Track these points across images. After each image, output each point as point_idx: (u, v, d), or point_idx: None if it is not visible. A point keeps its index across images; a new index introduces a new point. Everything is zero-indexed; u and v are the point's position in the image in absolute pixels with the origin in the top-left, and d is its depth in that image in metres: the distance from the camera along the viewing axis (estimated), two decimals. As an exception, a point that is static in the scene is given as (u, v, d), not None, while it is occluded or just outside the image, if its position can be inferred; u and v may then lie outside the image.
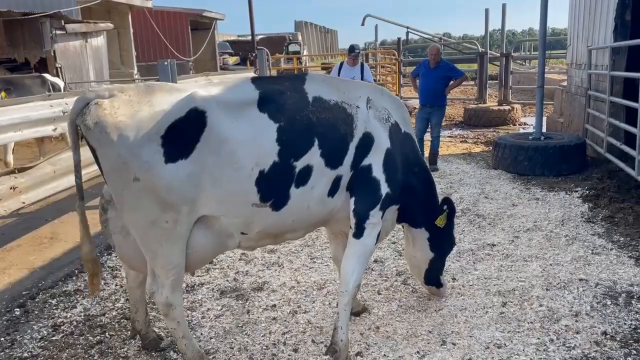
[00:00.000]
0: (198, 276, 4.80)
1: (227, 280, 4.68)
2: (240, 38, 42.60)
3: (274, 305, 4.16)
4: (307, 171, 3.10)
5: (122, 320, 4.07)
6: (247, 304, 4.23)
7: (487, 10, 16.42)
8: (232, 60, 31.52)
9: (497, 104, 14.47)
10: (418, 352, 3.43)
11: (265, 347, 3.58)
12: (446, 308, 3.98)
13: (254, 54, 15.35)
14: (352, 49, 8.56)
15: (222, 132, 2.91)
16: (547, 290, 4.19)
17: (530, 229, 5.59)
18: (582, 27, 9.45)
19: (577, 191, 6.87)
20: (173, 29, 23.42)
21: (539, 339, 3.51)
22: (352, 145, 3.24)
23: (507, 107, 13.50)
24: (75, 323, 4.07)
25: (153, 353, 3.59)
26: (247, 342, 3.67)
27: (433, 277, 4.00)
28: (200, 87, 3.09)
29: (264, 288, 4.48)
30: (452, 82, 8.48)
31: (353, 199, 3.31)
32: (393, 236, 5.55)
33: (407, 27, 25.43)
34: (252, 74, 13.20)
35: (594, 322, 3.68)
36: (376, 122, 3.36)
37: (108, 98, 2.86)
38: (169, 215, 2.90)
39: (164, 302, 3.09)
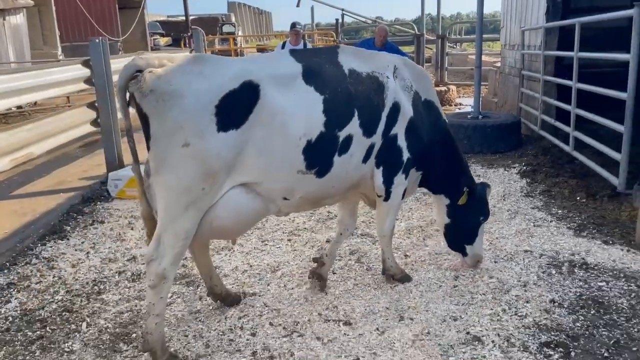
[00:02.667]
0: (143, 264, 4.57)
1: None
2: (170, 18, 41.12)
3: (228, 290, 4.03)
4: (348, 140, 3.33)
5: (63, 314, 3.81)
6: (198, 290, 4.08)
7: (422, -7, 16.65)
8: (163, 41, 30.34)
9: (433, 85, 14.78)
10: (377, 328, 3.43)
11: (221, 333, 3.46)
12: (401, 284, 4.01)
13: (189, 34, 14.82)
14: (293, 25, 8.44)
15: (274, 105, 3.04)
16: (495, 262, 4.32)
17: (475, 205, 5.74)
18: (515, 9, 9.77)
19: (514, 167, 7.14)
20: (99, 6, 22.16)
21: (492, 309, 3.60)
22: (383, 114, 3.51)
23: (443, 88, 13.82)
24: (11, 319, 3.77)
25: (99, 346, 3.38)
26: (201, 328, 3.53)
27: (455, 243, 4.16)
28: (247, 61, 3.30)
29: (216, 273, 4.33)
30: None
31: (381, 168, 3.61)
32: (343, 216, 5.54)
33: (342, 10, 25.46)
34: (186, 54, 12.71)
35: (542, 291, 3.82)
36: (401, 92, 3.61)
37: (158, 67, 2.90)
38: (208, 182, 2.93)
39: (159, 273, 2.96)
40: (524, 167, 7.04)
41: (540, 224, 5.12)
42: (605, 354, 3.08)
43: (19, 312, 3.87)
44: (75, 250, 4.98)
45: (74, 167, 8.27)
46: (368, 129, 3.41)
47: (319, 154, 3.21)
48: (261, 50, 28.11)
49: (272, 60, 3.37)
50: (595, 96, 5.77)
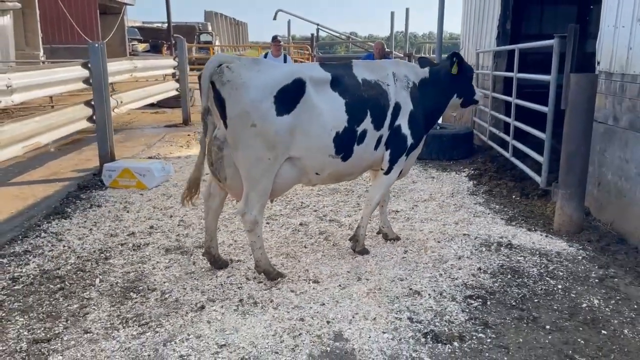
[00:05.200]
0: (141, 238, 5.33)
1: (170, 241, 5.26)
2: (146, 25, 41.48)
3: (217, 258, 4.82)
4: (364, 133, 4.37)
5: (78, 272, 4.54)
6: (191, 257, 4.86)
7: (392, 14, 17.83)
8: (141, 47, 30.87)
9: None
10: (340, 285, 4.29)
11: (214, 287, 4.26)
12: (361, 256, 4.88)
13: (173, 42, 15.55)
14: (274, 37, 9.31)
15: (313, 100, 4.07)
16: (438, 242, 5.24)
17: (427, 200, 6.69)
18: (472, 33, 10.89)
19: (464, 172, 8.14)
20: (80, 11, 22.66)
21: (431, 274, 4.51)
22: (388, 113, 4.50)
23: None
24: (32, 276, 4.47)
25: (113, 295, 4.14)
26: (197, 284, 4.32)
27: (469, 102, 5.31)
28: (292, 65, 4.34)
29: (205, 245, 5.11)
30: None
31: (389, 150, 4.60)
32: (315, 205, 6.40)
33: (318, 25, 26.49)
34: (171, 61, 13.46)
35: (472, 262, 4.75)
36: (402, 91, 4.59)
37: (231, 63, 3.88)
38: (272, 153, 3.95)
39: (252, 220, 4.09)
40: (473, 172, 8.06)
41: (479, 215, 6.09)
42: (513, 303, 4.01)
43: (38, 271, 4.57)
44: (79, 227, 5.69)
45: (65, 161, 8.92)
46: (377, 125, 4.42)
47: (344, 143, 4.24)
48: (237, 60, 28.85)
49: (309, 67, 4.42)
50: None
